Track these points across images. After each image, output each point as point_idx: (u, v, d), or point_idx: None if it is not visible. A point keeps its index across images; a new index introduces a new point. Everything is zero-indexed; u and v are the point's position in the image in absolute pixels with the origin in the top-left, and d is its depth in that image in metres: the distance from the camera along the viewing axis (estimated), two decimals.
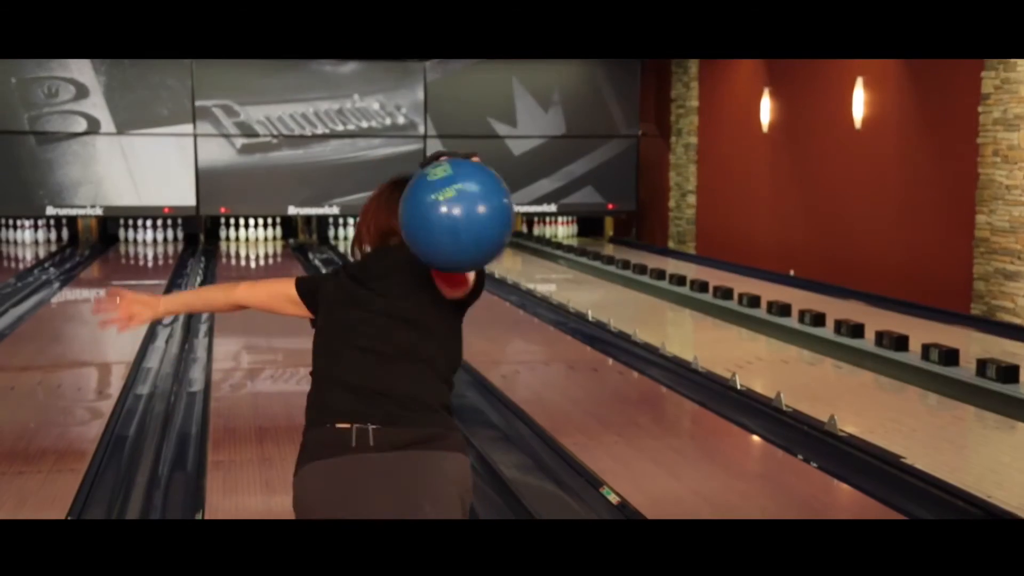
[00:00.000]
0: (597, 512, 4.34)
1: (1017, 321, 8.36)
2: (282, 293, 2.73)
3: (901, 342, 6.98)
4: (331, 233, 15.57)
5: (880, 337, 7.14)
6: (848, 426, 5.42)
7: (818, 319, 7.92)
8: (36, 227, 14.71)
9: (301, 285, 2.72)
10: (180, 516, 4.29)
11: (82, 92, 14.18)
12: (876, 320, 7.98)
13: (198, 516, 4.19)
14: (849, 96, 10.56)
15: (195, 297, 2.85)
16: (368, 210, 2.76)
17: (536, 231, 16.16)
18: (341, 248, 14.71)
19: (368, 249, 2.73)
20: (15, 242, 14.58)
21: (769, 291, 9.58)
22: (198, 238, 14.92)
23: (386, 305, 2.57)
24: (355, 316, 2.58)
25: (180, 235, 15.15)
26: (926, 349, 6.68)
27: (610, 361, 7.36)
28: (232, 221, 15.18)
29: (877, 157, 10.30)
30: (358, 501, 2.43)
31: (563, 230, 16.23)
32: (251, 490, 4.53)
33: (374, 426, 2.47)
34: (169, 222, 15.09)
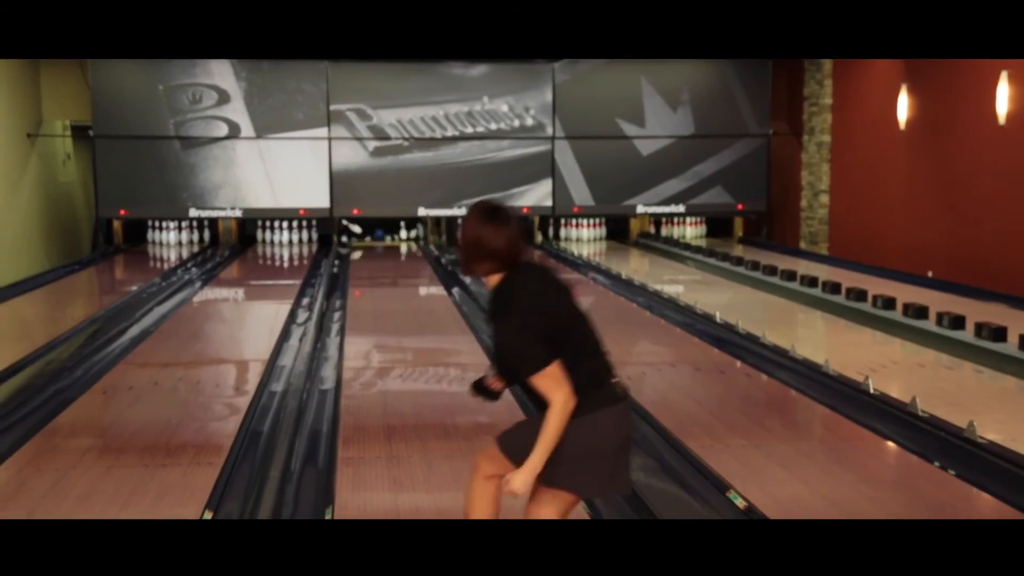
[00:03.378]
0: (723, 516, 4.29)
1: None
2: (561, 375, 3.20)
3: None
4: (460, 234, 15.70)
5: None
6: (989, 432, 5.21)
7: (957, 322, 7.65)
8: (180, 228, 15.30)
9: (555, 362, 3.19)
10: (311, 511, 4.41)
11: (224, 98, 14.68)
12: (1019, 323, 7.66)
13: (327, 511, 4.30)
14: (993, 91, 10.17)
15: (548, 442, 3.21)
16: (500, 242, 3.28)
17: (664, 232, 16.03)
18: None
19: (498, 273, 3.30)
20: (161, 243, 15.19)
21: (905, 293, 9.30)
22: (331, 239, 15.28)
23: (574, 305, 3.37)
24: (572, 314, 3.32)
25: (315, 236, 15.54)
26: None
27: (738, 363, 7.25)
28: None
29: (1022, 154, 9.87)
30: (628, 435, 3.33)
31: (691, 231, 16.05)
32: (379, 487, 4.62)
33: (620, 382, 3.33)
34: (304, 223, 15.50)
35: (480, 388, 3.49)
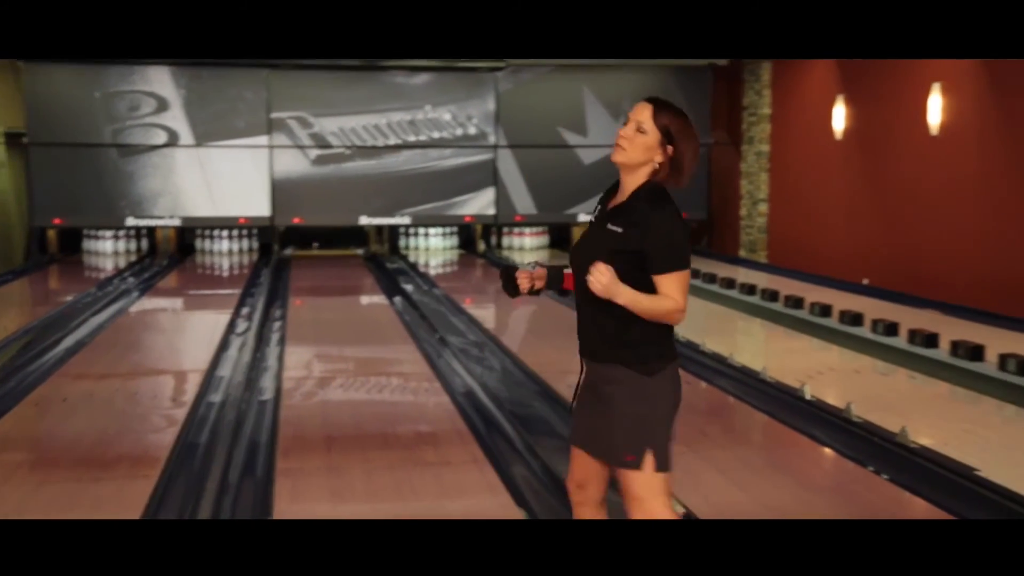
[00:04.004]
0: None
1: None
2: None
3: (977, 352, 6.83)
4: (402, 243, 15.70)
5: (955, 347, 7.00)
6: (922, 438, 5.32)
7: (891, 329, 7.78)
8: (116, 237, 15.07)
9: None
10: None
11: (162, 105, 14.51)
12: (951, 330, 7.82)
13: None
14: (925, 102, 10.37)
15: (639, 300, 3.01)
16: (693, 160, 3.13)
17: None
18: (412, 258, 14.83)
19: None
20: (97, 252, 14.96)
21: (841, 300, 9.44)
22: (272, 248, 15.16)
23: None
24: None
25: (255, 245, 15.41)
26: (1003, 359, 6.53)
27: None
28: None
29: (954, 163, 10.09)
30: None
31: None
32: (318, 498, 4.59)
33: None
34: (244, 232, 15.36)
35: (508, 277, 3.23)
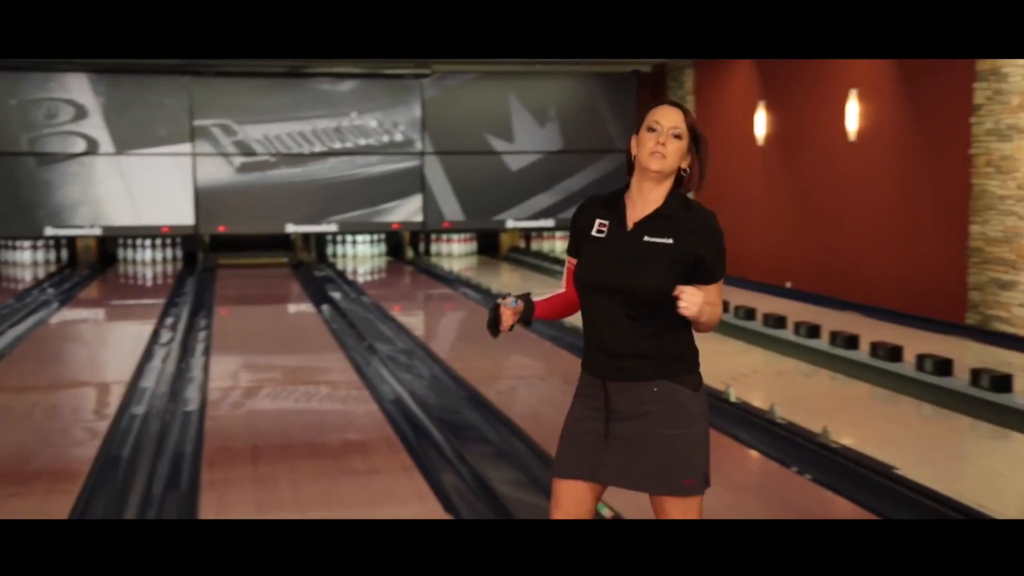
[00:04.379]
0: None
1: (1012, 331, 8.36)
2: None
3: (896, 353, 6.99)
4: (330, 250, 15.60)
5: (875, 348, 7.15)
6: (843, 437, 5.43)
7: (813, 331, 7.93)
8: (35, 248, 14.74)
9: None
10: None
11: (81, 113, 14.24)
12: (872, 331, 7.99)
13: None
14: (843, 108, 10.60)
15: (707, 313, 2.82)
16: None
17: (534, 246, 16.18)
18: (339, 265, 14.74)
19: None
20: (14, 263, 14.61)
21: (764, 303, 9.59)
22: (197, 257, 14.95)
23: None
24: None
25: (179, 254, 15.18)
26: (920, 360, 6.70)
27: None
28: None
29: (872, 169, 10.32)
30: None
31: (561, 245, 16.25)
32: (244, 509, 4.54)
33: None
34: (168, 241, 15.13)
35: (494, 315, 2.93)
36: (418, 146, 15.22)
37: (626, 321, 2.84)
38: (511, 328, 2.97)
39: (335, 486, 4.86)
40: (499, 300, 2.98)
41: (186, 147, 14.52)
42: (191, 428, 5.90)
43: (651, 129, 2.87)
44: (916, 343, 7.49)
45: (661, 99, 3.02)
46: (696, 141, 2.93)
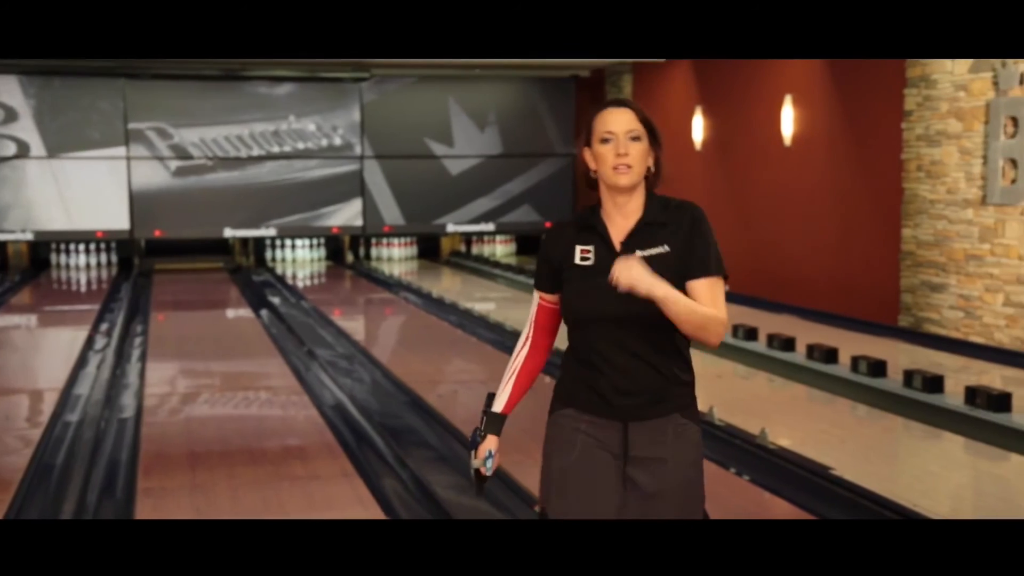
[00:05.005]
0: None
1: (942, 332, 8.54)
2: None
3: (831, 355, 7.10)
4: (268, 255, 15.46)
5: (811, 350, 7.26)
6: (780, 439, 5.50)
7: (751, 333, 8.03)
8: None
9: None
10: None
11: (11, 115, 13.96)
12: (807, 333, 8.11)
13: None
14: (778, 114, 10.75)
15: (684, 304, 2.56)
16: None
17: (475, 250, 16.19)
18: (278, 270, 14.61)
19: None
20: None
21: None
22: (132, 262, 14.73)
23: None
24: None
25: (114, 259, 14.95)
26: (855, 361, 6.81)
27: (547, 379, 7.37)
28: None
29: (806, 173, 10.48)
30: None
31: (501, 249, 16.28)
32: (182, 517, 4.48)
33: None
34: (102, 246, 14.89)
35: (479, 479, 2.82)
36: (357, 150, 15.15)
37: (636, 350, 2.57)
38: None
39: (274, 493, 4.81)
40: (474, 465, 2.79)
41: (120, 151, 14.31)
42: (127, 435, 5.81)
43: (605, 140, 2.59)
44: (851, 345, 7.62)
45: (604, 100, 2.69)
46: (653, 133, 2.62)
